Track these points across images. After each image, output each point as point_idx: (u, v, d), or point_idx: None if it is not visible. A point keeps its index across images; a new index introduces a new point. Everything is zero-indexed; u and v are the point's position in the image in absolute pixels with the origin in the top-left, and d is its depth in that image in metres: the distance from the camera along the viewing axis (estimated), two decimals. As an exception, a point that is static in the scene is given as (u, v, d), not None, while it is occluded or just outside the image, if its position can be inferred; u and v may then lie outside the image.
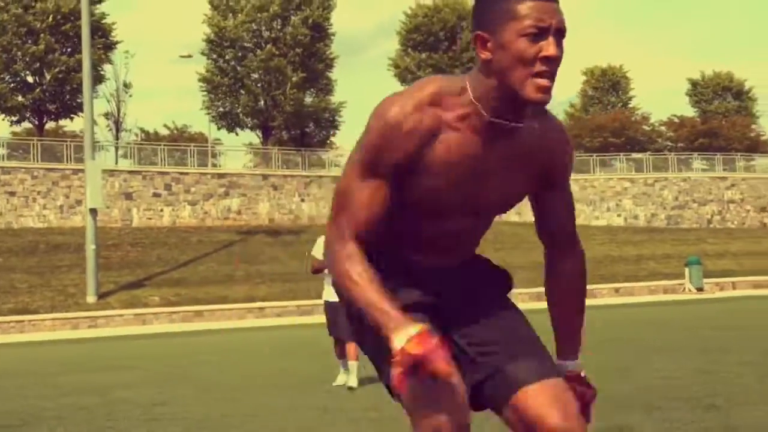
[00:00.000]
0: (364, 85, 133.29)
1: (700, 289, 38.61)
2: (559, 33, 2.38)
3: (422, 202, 2.56)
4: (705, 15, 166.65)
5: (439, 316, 2.66)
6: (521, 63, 2.36)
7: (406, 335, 2.32)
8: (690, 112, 79.32)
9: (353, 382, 10.43)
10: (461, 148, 2.48)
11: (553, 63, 2.37)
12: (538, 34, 2.35)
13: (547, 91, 2.38)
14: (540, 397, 2.54)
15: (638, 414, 7.20)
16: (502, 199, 2.64)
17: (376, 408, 8.45)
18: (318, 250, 11.14)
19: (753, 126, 78.00)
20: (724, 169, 59.31)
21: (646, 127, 73.01)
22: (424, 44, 62.69)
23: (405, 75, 62.84)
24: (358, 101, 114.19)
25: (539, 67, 2.36)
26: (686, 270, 39.32)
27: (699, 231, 54.06)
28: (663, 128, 75.58)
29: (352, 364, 10.56)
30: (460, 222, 2.65)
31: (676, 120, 75.06)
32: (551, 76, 2.38)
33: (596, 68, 77.52)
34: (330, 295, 11.10)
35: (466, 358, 2.66)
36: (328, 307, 11.13)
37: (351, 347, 10.69)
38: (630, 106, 77.22)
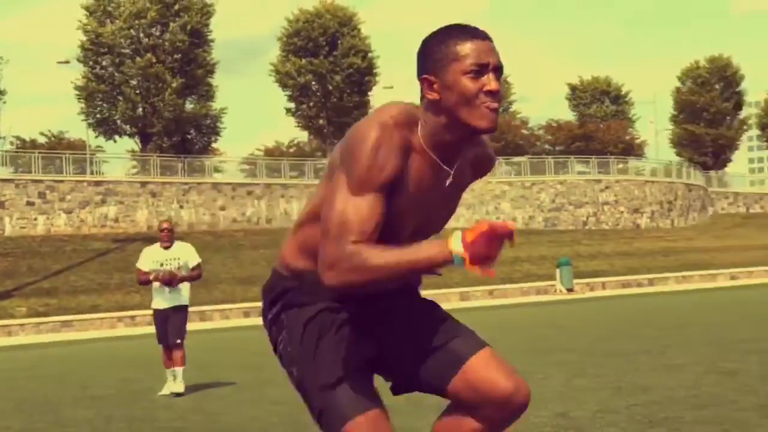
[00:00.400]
0: (255, 89, 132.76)
1: (570, 290, 39.45)
2: (497, 70, 2.65)
3: (386, 221, 2.69)
4: (586, 21, 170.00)
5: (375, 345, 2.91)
6: (467, 99, 2.62)
7: (456, 237, 2.53)
8: (570, 116, 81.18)
9: (179, 388, 10.55)
10: (423, 172, 2.72)
11: (495, 96, 2.63)
12: (479, 71, 2.62)
13: (493, 119, 2.64)
14: (485, 366, 2.83)
15: (410, 417, 7.38)
16: (441, 220, 2.92)
17: (184, 417, 8.56)
18: (143, 262, 11.16)
19: (630, 129, 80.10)
20: (600, 172, 60.68)
21: (525, 131, 74.38)
22: (305, 49, 62.76)
23: (285, 80, 62.84)
24: (250, 106, 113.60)
25: (483, 99, 2.62)
26: (557, 271, 40.14)
27: (574, 232, 55.26)
28: (541, 132, 77.10)
29: (179, 370, 10.68)
30: (410, 242, 2.81)
31: (554, 124, 76.61)
32: (495, 106, 2.64)
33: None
34: (159, 303, 11.17)
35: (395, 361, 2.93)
36: (157, 315, 11.21)
37: (178, 354, 10.81)
38: (511, 110, 78.55)
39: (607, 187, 58.69)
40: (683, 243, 53.96)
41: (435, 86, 2.65)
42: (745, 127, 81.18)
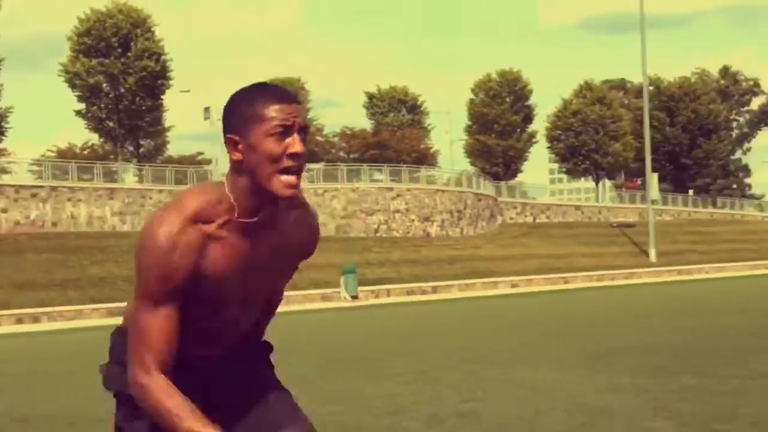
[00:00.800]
0: (53, 88, 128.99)
1: (354, 297, 39.93)
2: (302, 130, 2.59)
3: (201, 304, 2.69)
4: (395, 29, 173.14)
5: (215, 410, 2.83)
6: (269, 160, 2.53)
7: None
8: (368, 124, 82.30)
9: None
10: (230, 253, 2.64)
11: (298, 158, 2.56)
12: (283, 132, 2.54)
13: (294, 186, 2.57)
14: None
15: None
16: (275, 284, 2.89)
17: None
18: None
19: (425, 139, 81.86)
20: (392, 180, 61.67)
21: (320, 138, 74.95)
22: (96, 50, 61.30)
23: (74, 80, 61.24)
24: (48, 105, 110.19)
25: (286, 162, 2.54)
26: (342, 278, 40.57)
27: (366, 240, 55.93)
28: (336, 139, 77.86)
29: None
30: (233, 314, 2.80)
31: (348, 131, 77.52)
32: (298, 170, 2.58)
33: (275, 80, 78.74)
34: None
35: None
36: None
37: None
38: (308, 117, 79.01)
39: (398, 195, 59.68)
40: (470, 251, 55.47)
41: (239, 146, 2.58)
42: (534, 140, 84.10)
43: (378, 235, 57.93)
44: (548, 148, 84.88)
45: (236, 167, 2.61)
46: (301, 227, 2.82)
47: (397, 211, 59.36)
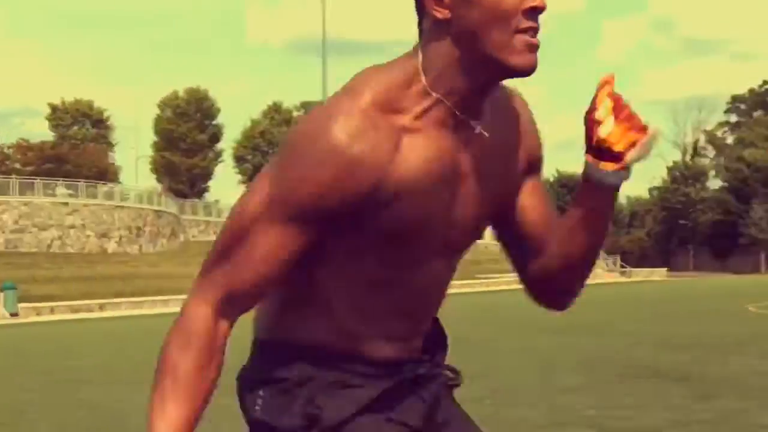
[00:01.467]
0: None
1: (14, 314, 38.54)
2: None
3: (388, 245, 1.76)
4: (84, 42, 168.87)
5: None
6: (498, 19, 1.67)
7: None
8: (50, 136, 79.81)
9: None
10: (429, 155, 1.73)
11: (537, 15, 1.70)
12: None
13: (535, 51, 1.70)
14: None
15: None
16: (483, 213, 1.86)
17: None
18: None
19: (111, 154, 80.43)
20: (70, 195, 60.10)
21: (-6, 150, 72.31)
22: None
23: None
24: None
25: (524, 23, 1.68)
26: (1, 295, 39.12)
27: (36, 255, 54.08)
28: (11, 151, 75.07)
29: None
30: (433, 265, 1.85)
31: (25, 143, 74.95)
32: (536, 34, 1.70)
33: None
34: None
35: None
36: None
37: None
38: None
39: (75, 211, 58.16)
40: (146, 269, 54.81)
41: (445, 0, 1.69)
42: (221, 159, 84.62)
43: (51, 250, 56.15)
44: (234, 167, 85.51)
45: (439, 31, 1.73)
46: (508, 117, 1.89)
47: (73, 226, 57.86)
